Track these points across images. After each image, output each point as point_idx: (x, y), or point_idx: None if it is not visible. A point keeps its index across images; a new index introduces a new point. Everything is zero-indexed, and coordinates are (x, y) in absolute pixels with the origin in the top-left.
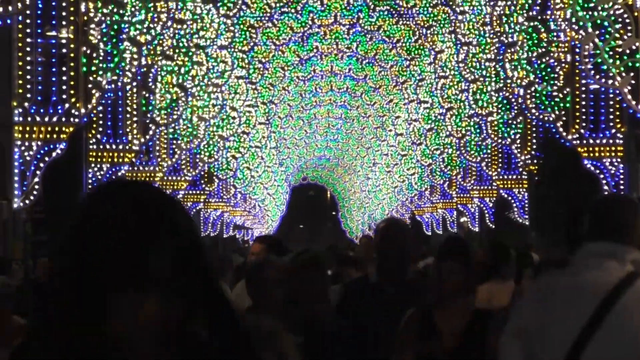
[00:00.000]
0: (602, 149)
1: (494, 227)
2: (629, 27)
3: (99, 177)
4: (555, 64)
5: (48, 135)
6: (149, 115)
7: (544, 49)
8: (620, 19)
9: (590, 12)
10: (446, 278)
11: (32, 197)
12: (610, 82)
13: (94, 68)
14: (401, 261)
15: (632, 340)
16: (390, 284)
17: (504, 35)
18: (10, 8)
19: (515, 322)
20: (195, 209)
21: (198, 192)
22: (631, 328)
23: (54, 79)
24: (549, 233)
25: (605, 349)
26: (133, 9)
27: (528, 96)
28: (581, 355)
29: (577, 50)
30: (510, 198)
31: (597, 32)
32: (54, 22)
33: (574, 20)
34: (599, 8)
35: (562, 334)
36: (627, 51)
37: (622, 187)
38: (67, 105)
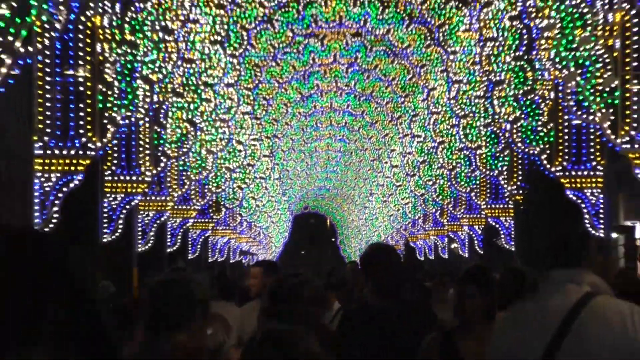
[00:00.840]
0: (583, 180)
1: (482, 252)
2: (609, 67)
3: (114, 206)
4: (540, 100)
5: (66, 167)
6: (160, 148)
7: (529, 87)
8: (600, 59)
9: (572, 53)
10: (468, 303)
11: (51, 225)
12: (591, 117)
13: (109, 104)
14: (394, 281)
15: (588, 353)
16: (388, 305)
17: (492, 74)
18: (30, 48)
19: (492, 350)
20: (204, 236)
21: (206, 220)
22: (588, 342)
23: (71, 114)
24: (532, 264)
25: None
26: (145, 49)
27: (514, 131)
28: None
29: (560, 88)
30: (497, 226)
31: (579, 71)
32: (71, 61)
33: (557, 60)
34: (581, 49)
35: (527, 357)
36: (607, 89)
37: (601, 216)
38: (83, 139)
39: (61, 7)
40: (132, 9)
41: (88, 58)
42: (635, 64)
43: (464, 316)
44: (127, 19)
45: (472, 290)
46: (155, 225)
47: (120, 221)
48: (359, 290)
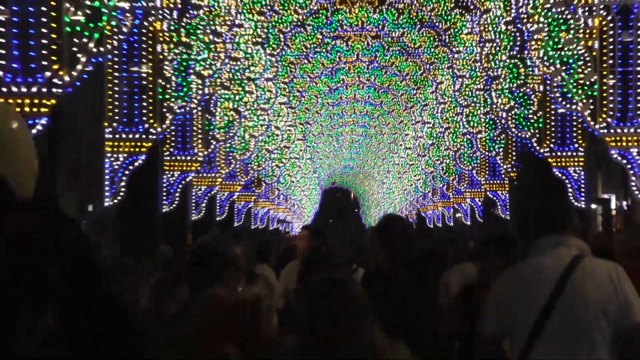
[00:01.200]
0: (567, 159)
1: (482, 221)
2: (589, 64)
3: (172, 182)
4: (531, 92)
5: (131, 149)
6: (210, 133)
7: (522, 81)
8: (581, 58)
9: (558, 52)
10: (489, 262)
11: (119, 198)
12: (574, 107)
13: (167, 96)
14: (403, 247)
15: (584, 304)
16: (397, 270)
17: (490, 70)
18: (102, 49)
19: (491, 304)
20: (247, 207)
21: (249, 193)
22: (583, 296)
23: (136, 104)
24: (524, 234)
25: (565, 313)
26: (198, 50)
27: (509, 118)
28: (547, 320)
29: (548, 82)
30: (495, 198)
31: (563, 67)
32: (136, 60)
33: (545, 58)
34: (565, 49)
35: (529, 308)
36: (587, 83)
37: (582, 190)
38: (146, 125)
39: (127, 14)
40: (187, 15)
41: (150, 57)
42: (611, 61)
43: (486, 274)
44: (183, 24)
45: (494, 249)
46: (206, 198)
47: (177, 195)
48: (375, 255)
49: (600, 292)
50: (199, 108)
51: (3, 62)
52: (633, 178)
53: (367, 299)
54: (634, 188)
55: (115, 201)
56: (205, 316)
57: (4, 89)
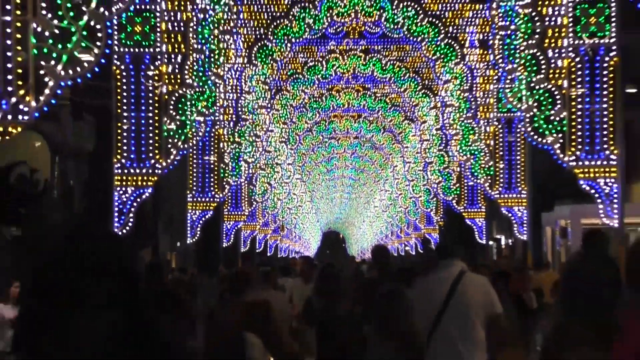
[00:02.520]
0: (475, 213)
1: (421, 252)
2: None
3: (229, 227)
4: (452, 172)
5: (205, 207)
6: (253, 197)
7: (446, 165)
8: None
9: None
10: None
11: (195, 239)
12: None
13: (226, 174)
14: (388, 265)
15: (467, 306)
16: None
17: (427, 158)
18: (186, 145)
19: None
20: (275, 244)
21: (277, 235)
22: (465, 299)
23: (207, 180)
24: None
25: (455, 312)
26: (245, 145)
27: (439, 187)
28: (442, 318)
29: (462, 165)
30: (429, 237)
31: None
32: (207, 151)
33: (460, 150)
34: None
35: (430, 307)
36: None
37: (484, 232)
38: (213, 192)
39: (202, 124)
40: (239, 124)
41: (215, 149)
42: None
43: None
44: (236, 130)
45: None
46: (233, 232)
47: (232, 235)
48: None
49: (477, 294)
50: (246, 181)
51: None
52: (515, 225)
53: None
54: (515, 231)
55: (194, 239)
56: (231, 311)
57: None
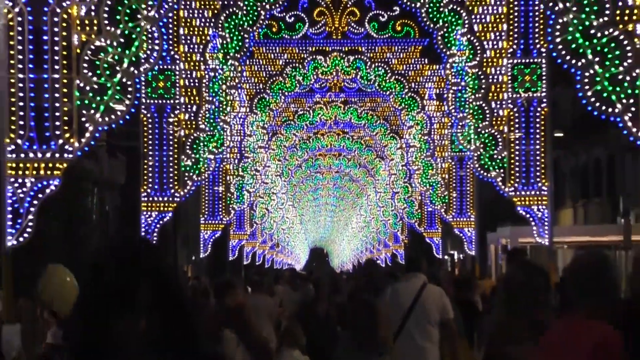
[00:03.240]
0: (433, 233)
1: (390, 265)
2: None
3: (234, 244)
4: (415, 201)
5: (215, 228)
6: (254, 220)
7: (409, 194)
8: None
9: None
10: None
11: (207, 254)
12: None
13: (232, 201)
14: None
15: (427, 311)
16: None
17: (395, 190)
18: (202, 177)
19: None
20: (272, 259)
21: (273, 250)
22: (426, 307)
23: (217, 205)
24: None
25: (417, 316)
26: (248, 178)
27: (404, 213)
28: (407, 320)
29: (423, 195)
30: (397, 254)
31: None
32: (217, 183)
33: (422, 181)
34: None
35: (398, 312)
36: (500, 157)
37: (439, 248)
38: (221, 216)
39: (212, 162)
40: (242, 161)
41: (223, 181)
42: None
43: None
44: (240, 167)
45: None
46: (237, 248)
47: (237, 250)
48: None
49: (435, 301)
50: (248, 207)
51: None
52: (465, 243)
53: None
54: (465, 248)
55: (206, 254)
56: (214, 312)
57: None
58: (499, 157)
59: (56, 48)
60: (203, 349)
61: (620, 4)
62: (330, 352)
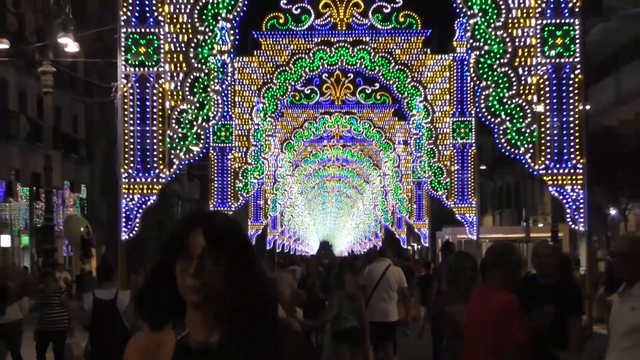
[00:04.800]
0: (419, 224)
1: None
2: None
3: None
4: (392, 215)
5: (255, 228)
6: (283, 225)
7: (388, 213)
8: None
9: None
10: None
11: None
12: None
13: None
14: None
15: (390, 280)
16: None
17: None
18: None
19: (363, 278)
20: (295, 249)
21: (290, 239)
22: (390, 278)
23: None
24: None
25: (384, 283)
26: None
27: (387, 214)
28: (377, 287)
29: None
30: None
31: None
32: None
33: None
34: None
35: (373, 279)
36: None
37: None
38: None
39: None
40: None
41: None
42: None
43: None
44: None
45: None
46: (272, 241)
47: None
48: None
49: (395, 276)
50: (279, 214)
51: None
52: (422, 238)
53: None
54: (422, 241)
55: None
56: None
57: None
58: (445, 181)
59: (154, 110)
60: (261, 291)
61: (522, 81)
62: (316, 308)
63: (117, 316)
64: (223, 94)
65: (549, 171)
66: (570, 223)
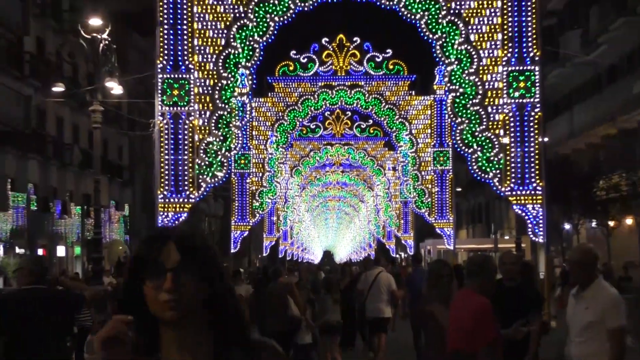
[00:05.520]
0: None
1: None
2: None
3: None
4: (380, 230)
5: (270, 240)
6: (292, 237)
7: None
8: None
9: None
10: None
11: (260, 258)
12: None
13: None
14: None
15: (381, 284)
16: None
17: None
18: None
19: (361, 282)
20: (302, 257)
21: (298, 249)
22: (381, 282)
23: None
24: (371, 266)
25: (376, 286)
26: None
27: (379, 230)
28: (370, 289)
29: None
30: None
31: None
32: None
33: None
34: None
35: (367, 283)
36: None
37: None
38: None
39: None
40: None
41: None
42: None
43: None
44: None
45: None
46: (284, 251)
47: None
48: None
49: (385, 281)
50: (289, 228)
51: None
52: (408, 248)
53: None
54: (409, 251)
55: (267, 254)
56: (278, 286)
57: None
58: (428, 200)
59: (185, 141)
60: (234, 302)
61: (491, 118)
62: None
63: None
64: (242, 129)
65: (514, 192)
66: (532, 236)
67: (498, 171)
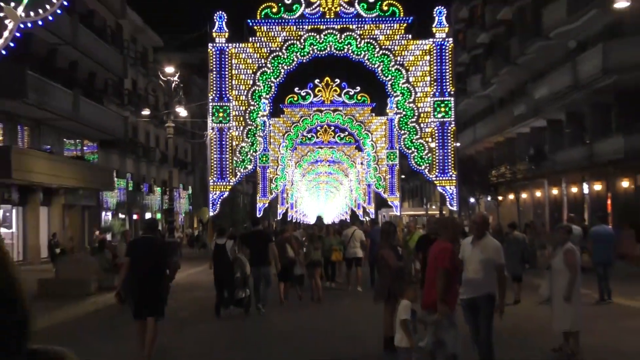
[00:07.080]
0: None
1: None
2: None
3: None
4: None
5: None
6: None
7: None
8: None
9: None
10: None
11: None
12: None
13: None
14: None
15: (356, 236)
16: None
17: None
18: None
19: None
20: (301, 219)
21: (297, 213)
22: (355, 236)
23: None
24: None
25: (353, 238)
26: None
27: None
28: (350, 239)
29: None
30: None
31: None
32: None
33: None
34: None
35: (347, 237)
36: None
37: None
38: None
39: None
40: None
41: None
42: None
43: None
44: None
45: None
46: (281, 215)
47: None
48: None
49: (358, 235)
50: (294, 201)
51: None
52: (372, 215)
53: None
54: (371, 215)
55: (280, 218)
56: (283, 236)
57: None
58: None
59: (227, 146)
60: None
61: (423, 131)
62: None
63: (225, 252)
64: (263, 138)
65: (438, 178)
66: (449, 206)
67: (428, 165)
